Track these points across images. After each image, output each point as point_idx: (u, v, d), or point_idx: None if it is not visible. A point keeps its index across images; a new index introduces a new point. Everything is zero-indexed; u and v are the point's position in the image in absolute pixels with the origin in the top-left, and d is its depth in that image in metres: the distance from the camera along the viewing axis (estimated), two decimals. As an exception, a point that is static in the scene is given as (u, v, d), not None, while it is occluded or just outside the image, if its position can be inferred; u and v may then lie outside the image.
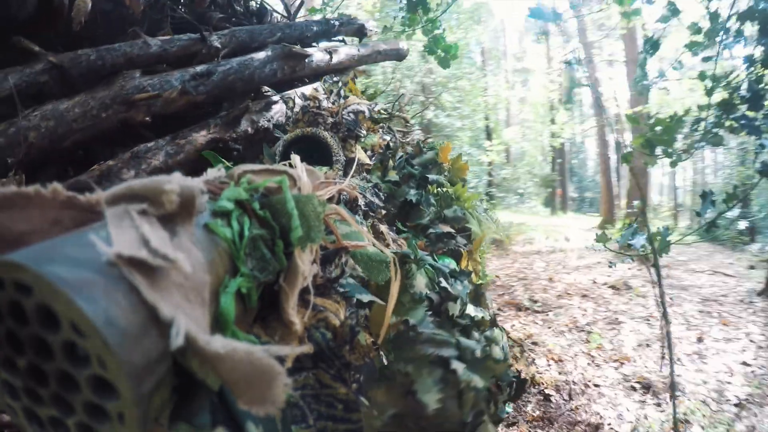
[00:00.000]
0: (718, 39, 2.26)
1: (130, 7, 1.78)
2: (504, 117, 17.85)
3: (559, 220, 12.95)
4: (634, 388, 3.02)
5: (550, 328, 3.96)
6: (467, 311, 1.43)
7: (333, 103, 1.51)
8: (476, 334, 1.42)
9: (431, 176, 1.82)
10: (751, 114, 2.03)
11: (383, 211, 1.39)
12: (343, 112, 1.50)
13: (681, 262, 6.96)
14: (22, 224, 0.29)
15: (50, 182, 0.32)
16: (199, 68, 1.80)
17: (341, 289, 0.66)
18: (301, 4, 2.68)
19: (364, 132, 1.55)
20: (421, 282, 1.29)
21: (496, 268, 6.07)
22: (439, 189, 1.83)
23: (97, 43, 1.71)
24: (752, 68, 2.06)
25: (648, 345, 3.65)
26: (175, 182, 0.32)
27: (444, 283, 1.38)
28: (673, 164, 2.21)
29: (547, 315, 4.23)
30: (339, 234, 0.65)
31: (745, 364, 3.28)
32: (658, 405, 2.79)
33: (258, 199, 0.44)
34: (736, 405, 2.65)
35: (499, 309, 4.34)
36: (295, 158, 0.59)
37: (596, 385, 3.02)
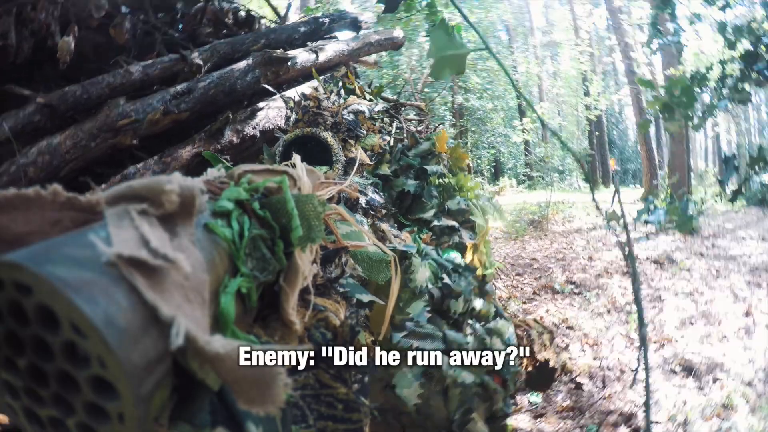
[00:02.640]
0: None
1: (115, 37, 1.90)
2: (536, 93, 17.38)
3: (601, 194, 12.16)
4: (674, 372, 2.77)
5: (587, 310, 3.77)
6: (473, 305, 1.41)
7: (333, 103, 1.51)
8: (477, 326, 1.40)
9: (430, 167, 1.79)
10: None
11: (383, 210, 1.39)
12: (343, 112, 1.50)
13: (728, 230, 6.65)
14: (22, 225, 0.29)
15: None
16: (180, 87, 1.89)
17: (341, 289, 0.66)
18: (289, 6, 2.66)
19: (364, 132, 1.54)
20: (422, 276, 1.28)
21: (534, 250, 5.83)
22: (440, 180, 1.81)
23: (92, 74, 1.79)
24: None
25: (692, 323, 3.42)
26: (175, 182, 0.32)
27: (447, 279, 1.36)
28: (696, 128, 2.02)
29: (585, 296, 4.05)
30: (339, 234, 0.65)
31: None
32: (701, 389, 2.57)
33: (258, 199, 0.44)
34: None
35: (534, 293, 4.18)
36: (296, 158, 0.59)
37: (633, 370, 2.77)
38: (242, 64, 2.06)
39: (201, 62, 1.97)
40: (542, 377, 2.59)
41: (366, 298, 0.73)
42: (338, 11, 3.00)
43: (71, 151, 1.62)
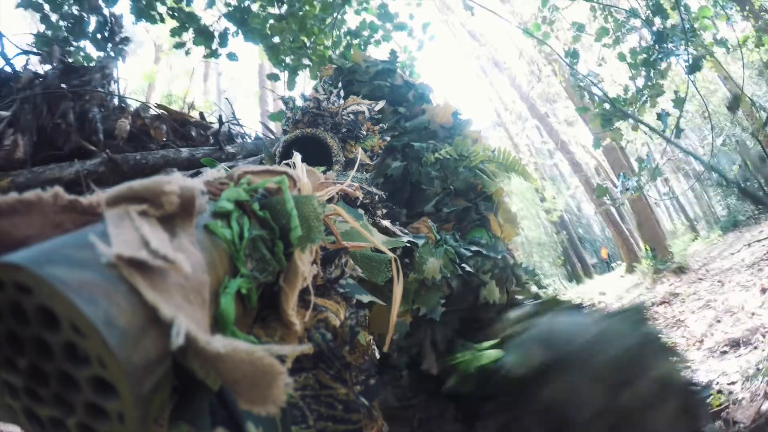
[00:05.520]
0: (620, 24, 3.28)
1: (154, 136, 2.40)
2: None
3: (587, 286, 12.93)
4: (725, 352, 3.18)
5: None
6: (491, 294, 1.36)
7: (333, 104, 1.51)
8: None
9: (418, 143, 1.62)
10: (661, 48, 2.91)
11: (384, 210, 1.38)
12: (343, 113, 1.50)
13: (714, 256, 7.41)
14: (24, 229, 0.29)
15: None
16: (225, 164, 2.24)
17: (341, 290, 0.66)
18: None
19: (364, 132, 1.54)
20: (433, 266, 1.24)
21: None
22: (437, 155, 1.59)
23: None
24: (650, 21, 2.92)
25: (719, 321, 3.82)
26: (175, 183, 0.32)
27: (468, 267, 1.31)
28: (635, 128, 2.90)
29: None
30: (339, 234, 0.65)
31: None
32: (756, 348, 3.00)
33: (258, 199, 0.44)
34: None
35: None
36: (296, 158, 0.59)
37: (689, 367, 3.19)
38: (271, 159, 2.49)
39: (234, 152, 2.49)
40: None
41: (366, 298, 0.73)
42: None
43: (130, 202, 1.98)
